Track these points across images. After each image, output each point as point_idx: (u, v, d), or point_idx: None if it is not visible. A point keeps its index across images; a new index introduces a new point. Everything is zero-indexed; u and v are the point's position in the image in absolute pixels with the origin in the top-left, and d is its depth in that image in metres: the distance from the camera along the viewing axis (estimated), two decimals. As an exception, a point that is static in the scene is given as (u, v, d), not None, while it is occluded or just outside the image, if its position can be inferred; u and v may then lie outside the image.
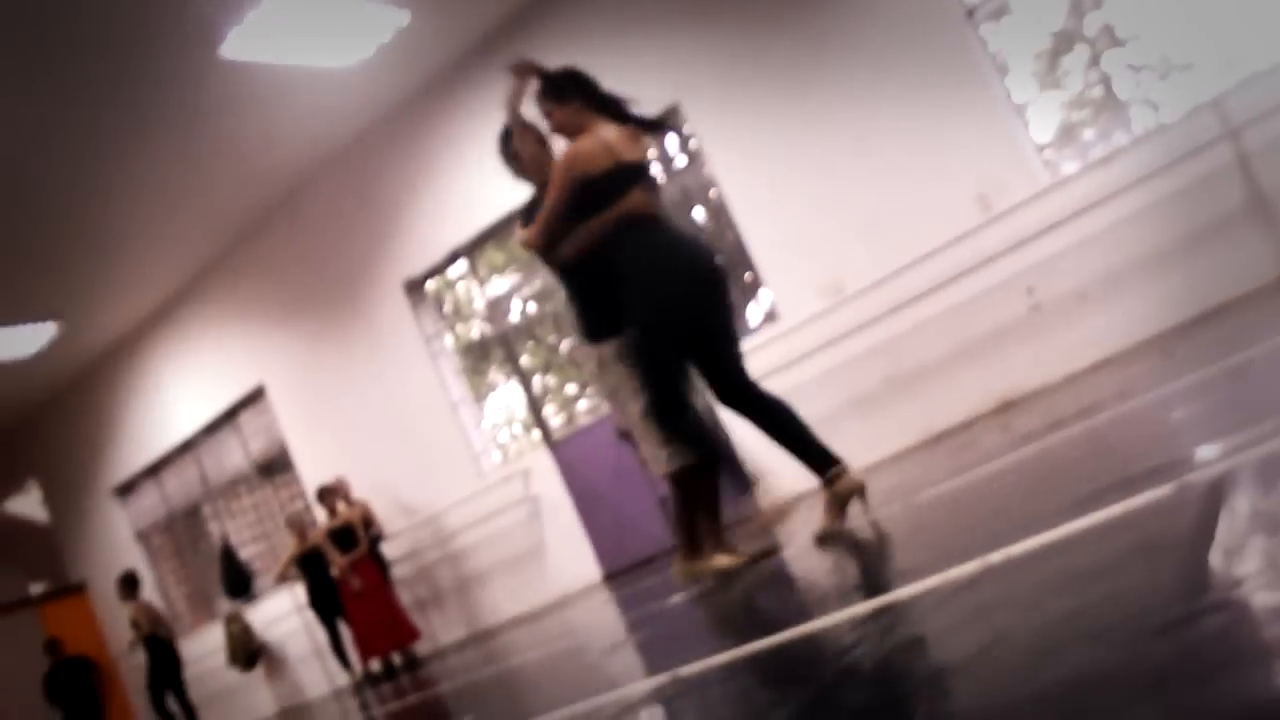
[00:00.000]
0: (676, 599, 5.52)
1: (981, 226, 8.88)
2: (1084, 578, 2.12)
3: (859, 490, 5.24)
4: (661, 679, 3.19)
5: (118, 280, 13.24)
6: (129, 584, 13.06)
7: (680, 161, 10.75)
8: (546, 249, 5.55)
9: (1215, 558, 1.81)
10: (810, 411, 9.71)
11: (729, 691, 2.72)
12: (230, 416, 14.48)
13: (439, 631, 12.52)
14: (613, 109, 5.57)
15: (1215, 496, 2.25)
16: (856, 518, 5.24)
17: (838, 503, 5.19)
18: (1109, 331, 8.61)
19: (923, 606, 2.53)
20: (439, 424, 12.19)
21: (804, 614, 3.39)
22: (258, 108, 10.73)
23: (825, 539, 5.01)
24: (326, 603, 11.77)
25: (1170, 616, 1.61)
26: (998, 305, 9.05)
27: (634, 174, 5.40)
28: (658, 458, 5.49)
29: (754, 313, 10.80)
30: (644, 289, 5.28)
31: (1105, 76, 9.19)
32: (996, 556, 2.64)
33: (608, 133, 5.44)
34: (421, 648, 12.06)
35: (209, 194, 12.09)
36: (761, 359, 9.84)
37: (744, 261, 10.28)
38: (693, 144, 10.50)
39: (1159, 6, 9.02)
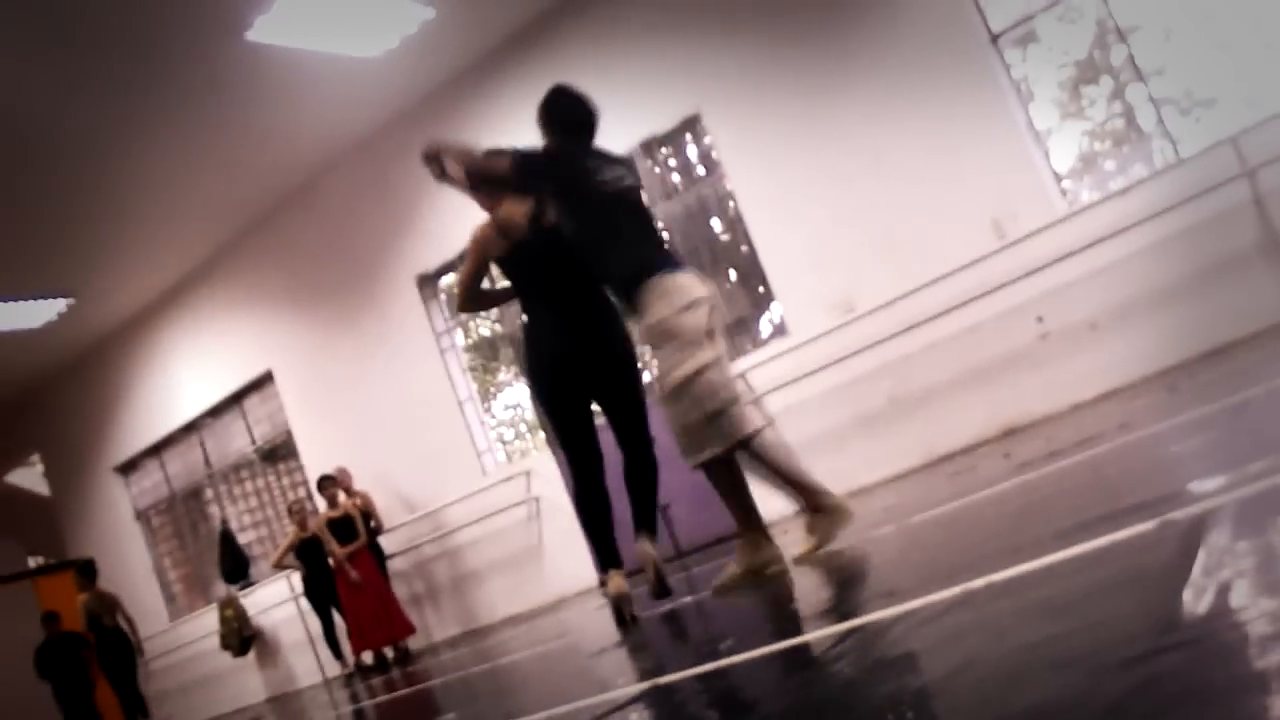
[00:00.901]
0: (666, 606, 5.53)
1: (995, 252, 8.87)
2: (1058, 608, 2.13)
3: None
4: (642, 686, 3.21)
5: (132, 258, 13.28)
6: (85, 572, 13.08)
7: (699, 171, 10.76)
8: (470, 310, 6.25)
9: (1186, 595, 1.82)
10: (814, 427, 9.81)
11: (698, 705, 2.73)
12: (236, 400, 14.50)
13: (433, 627, 12.53)
14: (514, 182, 5.74)
15: (1194, 535, 2.26)
16: (848, 537, 5.25)
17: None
18: (1116, 363, 8.59)
19: (899, 628, 2.54)
20: (445, 420, 12.20)
21: (785, 630, 3.40)
22: (281, 92, 10.76)
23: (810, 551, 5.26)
24: (322, 592, 11.77)
25: (1134, 651, 1.62)
26: (1007, 331, 9.04)
27: (533, 246, 5.72)
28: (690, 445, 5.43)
29: (764, 325, 10.82)
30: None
31: (1129, 108, 9.20)
32: (978, 582, 2.64)
33: (507, 210, 5.78)
34: (414, 642, 12.05)
35: (228, 176, 12.12)
36: (768, 372, 9.85)
37: (757, 273, 10.29)
38: (712, 154, 10.51)
39: (1185, 41, 9.02)
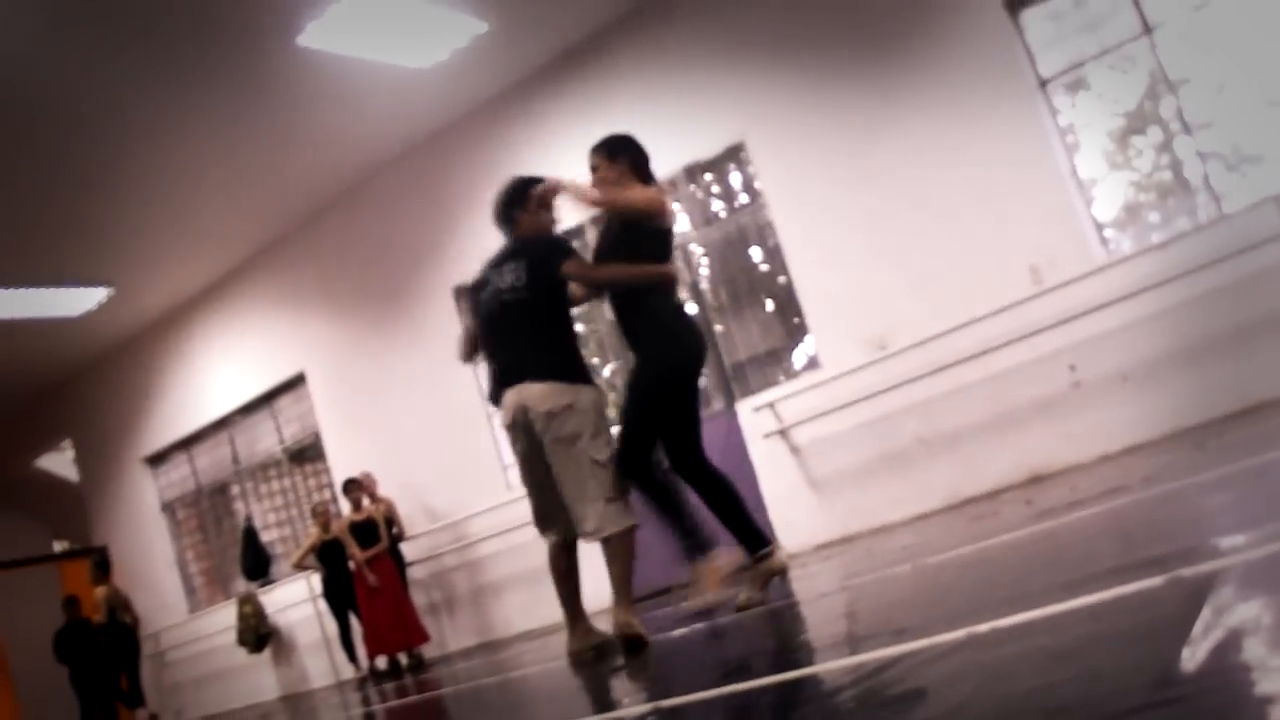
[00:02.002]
0: (679, 631, 5.55)
1: (1031, 297, 8.84)
2: (1058, 657, 2.13)
3: (782, 571, 5.77)
4: (645, 708, 3.22)
5: (174, 253, 13.38)
6: (101, 566, 13.18)
7: (741, 199, 10.77)
8: (600, 265, 5.92)
9: (1185, 652, 1.82)
10: (841, 462, 9.81)
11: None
12: (268, 399, 14.58)
13: (448, 637, 12.55)
14: (648, 178, 5.99)
15: (1200, 593, 2.26)
16: (866, 575, 5.27)
17: (762, 578, 5.67)
18: (1146, 416, 8.54)
19: (900, 668, 2.55)
20: (473, 432, 12.23)
21: (791, 662, 3.41)
22: (330, 98, 10.84)
23: (744, 607, 5.48)
24: (341, 595, 11.83)
25: (1127, 704, 1.62)
26: (1038, 378, 9.00)
27: (670, 239, 5.92)
28: (602, 514, 5.47)
29: (798, 357, 10.82)
30: (661, 349, 5.72)
31: (1176, 161, 9.16)
32: (983, 627, 2.65)
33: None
34: (429, 651, 12.08)
35: (272, 177, 12.20)
36: (799, 404, 9.86)
37: (793, 305, 10.29)
38: (754, 184, 10.52)
39: (1235, 96, 9.00)
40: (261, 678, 14.64)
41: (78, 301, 13.46)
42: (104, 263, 12.89)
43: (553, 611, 11.70)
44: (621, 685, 4.39)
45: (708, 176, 10.81)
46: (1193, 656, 1.78)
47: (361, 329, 13.25)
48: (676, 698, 3.29)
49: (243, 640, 13.78)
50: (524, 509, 11.45)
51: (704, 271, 10.96)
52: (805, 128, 10.05)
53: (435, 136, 12.26)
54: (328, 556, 11.78)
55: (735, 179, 10.82)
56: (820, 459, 9.41)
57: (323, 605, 12.68)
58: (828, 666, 3.01)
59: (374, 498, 11.89)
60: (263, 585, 14.21)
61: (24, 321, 13.63)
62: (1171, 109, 9.05)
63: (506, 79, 11.57)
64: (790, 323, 10.68)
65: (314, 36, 9.50)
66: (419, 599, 12.35)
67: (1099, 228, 9.09)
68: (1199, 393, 8.32)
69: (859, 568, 5.30)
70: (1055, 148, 9.08)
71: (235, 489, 15.40)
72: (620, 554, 5.46)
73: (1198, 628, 1.96)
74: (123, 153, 10.62)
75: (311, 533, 12.06)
